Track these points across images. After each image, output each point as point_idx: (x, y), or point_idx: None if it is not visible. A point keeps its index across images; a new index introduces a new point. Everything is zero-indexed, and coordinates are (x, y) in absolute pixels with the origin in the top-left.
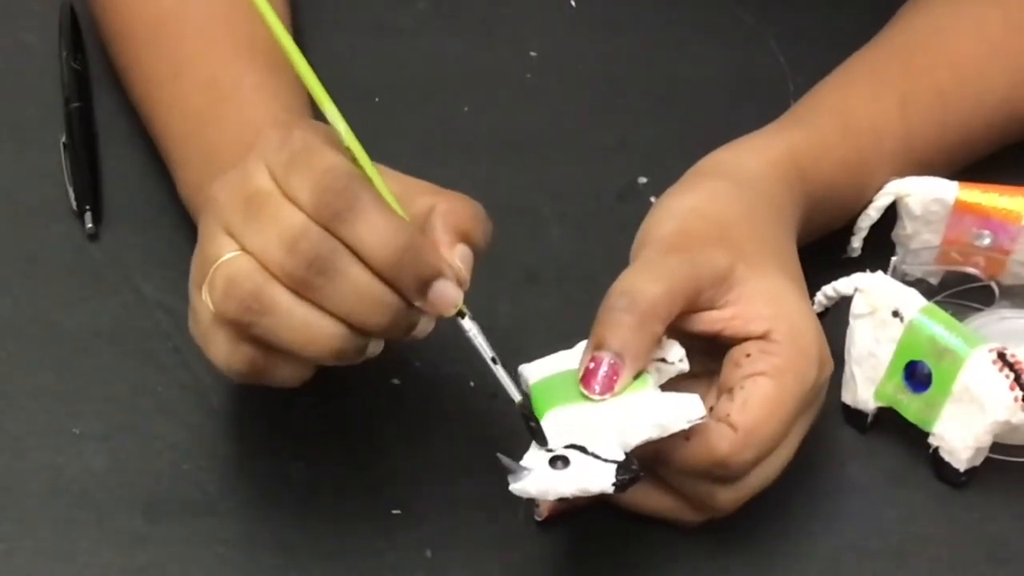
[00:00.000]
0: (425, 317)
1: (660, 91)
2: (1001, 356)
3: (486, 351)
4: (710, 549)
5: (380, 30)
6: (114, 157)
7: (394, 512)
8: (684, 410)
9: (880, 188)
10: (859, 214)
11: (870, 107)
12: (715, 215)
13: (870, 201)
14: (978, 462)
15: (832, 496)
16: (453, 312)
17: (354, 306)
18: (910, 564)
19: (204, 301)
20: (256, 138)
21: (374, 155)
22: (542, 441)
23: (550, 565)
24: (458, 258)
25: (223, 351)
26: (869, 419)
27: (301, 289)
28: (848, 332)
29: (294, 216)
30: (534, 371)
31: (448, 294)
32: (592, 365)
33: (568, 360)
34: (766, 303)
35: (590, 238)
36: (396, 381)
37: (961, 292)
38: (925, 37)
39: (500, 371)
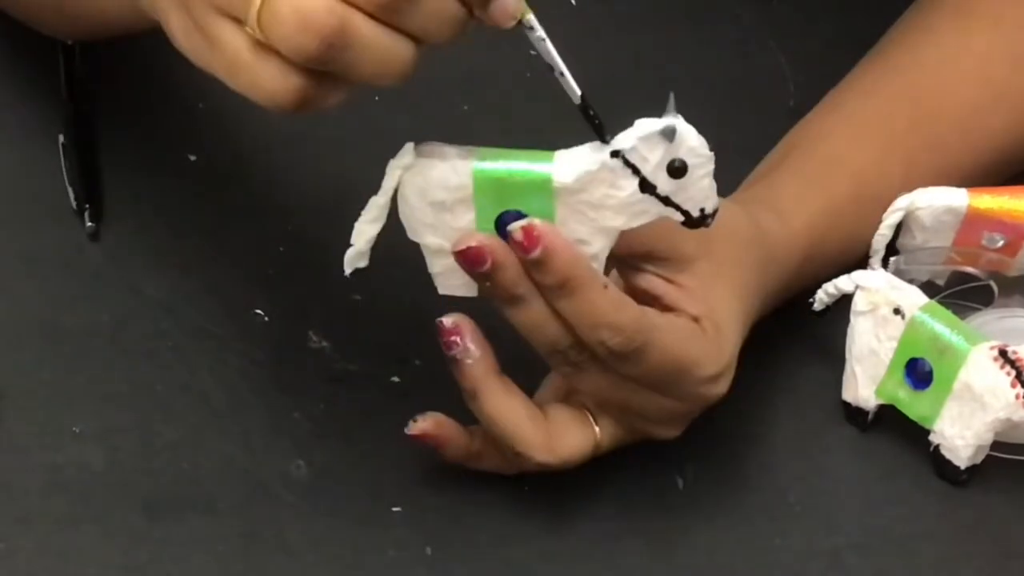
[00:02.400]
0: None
1: (659, 91)
2: (1003, 354)
3: (555, 59)
4: (710, 547)
5: None
6: (112, 157)
7: (394, 509)
8: None
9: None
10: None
11: (878, 171)
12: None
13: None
14: (979, 460)
15: (832, 494)
16: (512, 23)
17: (431, 25)
18: (910, 562)
19: (239, 33)
20: None
21: (375, 156)
22: (603, 135)
23: (550, 563)
24: None
25: (270, 84)
26: (870, 417)
27: (385, 15)
28: (849, 329)
29: None
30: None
31: (508, 5)
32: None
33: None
34: (714, 300)
35: None
36: (396, 379)
37: (960, 292)
38: (932, 78)
39: (566, 79)
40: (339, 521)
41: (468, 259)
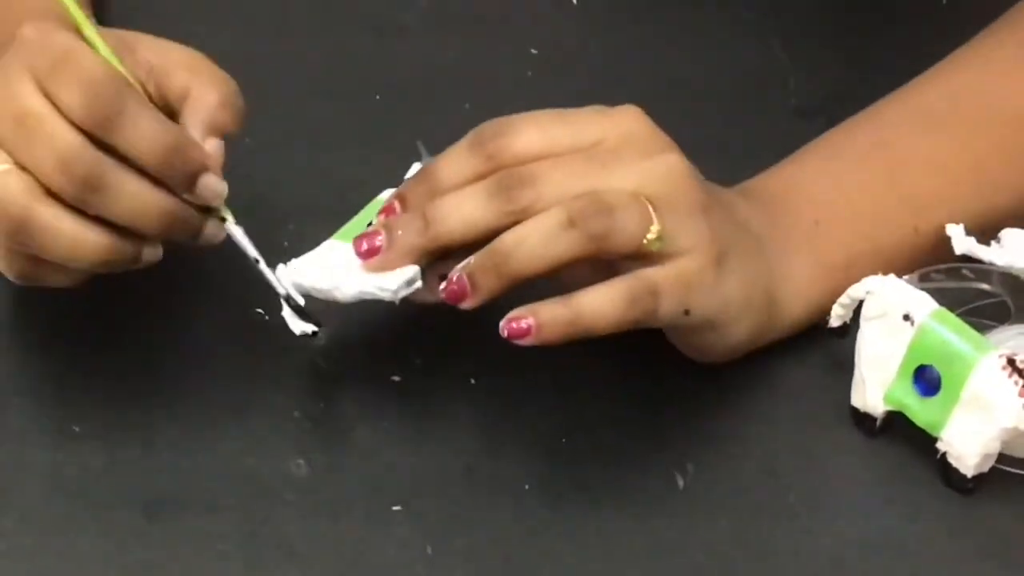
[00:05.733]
0: (212, 222)
1: (660, 90)
2: (1011, 362)
3: (250, 251)
4: (711, 546)
5: (381, 28)
6: None
7: (394, 508)
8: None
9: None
10: None
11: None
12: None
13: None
14: (986, 468)
15: (835, 496)
16: (219, 202)
17: (131, 215)
18: (913, 564)
19: None
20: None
21: (376, 153)
22: (307, 318)
23: (550, 561)
24: (211, 153)
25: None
26: (878, 423)
27: (78, 205)
28: (858, 335)
29: (66, 135)
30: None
31: (212, 185)
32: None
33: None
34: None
35: None
36: (396, 378)
37: (976, 308)
38: (999, 81)
39: (265, 270)
40: (339, 521)
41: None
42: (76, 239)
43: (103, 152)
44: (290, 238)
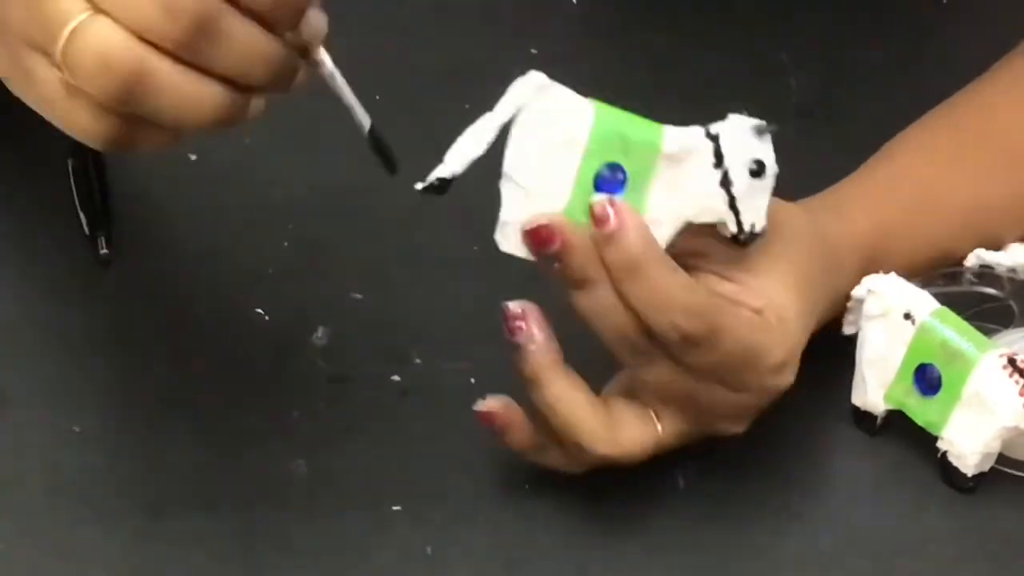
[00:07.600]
0: (304, 69)
1: (660, 90)
2: (1011, 361)
3: (344, 88)
4: (710, 547)
5: (380, 28)
6: (112, 156)
7: (394, 508)
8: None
9: None
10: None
11: (946, 183)
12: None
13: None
14: (986, 468)
15: (835, 496)
16: (319, 40)
17: (242, 63)
18: (913, 564)
19: (52, 68)
20: None
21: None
22: (391, 167)
23: (551, 562)
24: None
25: (84, 123)
26: (879, 421)
27: (186, 55)
28: (859, 334)
29: None
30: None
31: (315, 21)
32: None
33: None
34: (772, 292)
35: None
36: (396, 378)
37: (980, 312)
38: (1006, 100)
39: (356, 105)
40: (339, 521)
41: (537, 239)
42: (196, 94)
43: None
44: (290, 238)
